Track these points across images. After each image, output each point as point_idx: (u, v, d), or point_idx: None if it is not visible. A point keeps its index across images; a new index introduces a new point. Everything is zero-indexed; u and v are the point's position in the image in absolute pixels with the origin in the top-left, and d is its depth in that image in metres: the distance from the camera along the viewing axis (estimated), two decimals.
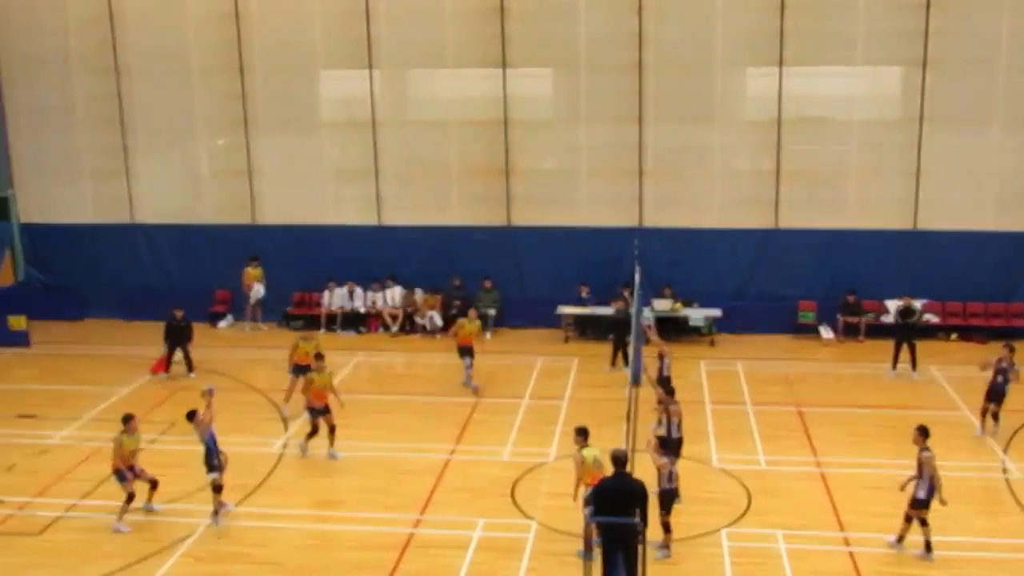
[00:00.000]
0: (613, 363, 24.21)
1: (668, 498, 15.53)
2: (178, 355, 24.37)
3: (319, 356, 20.04)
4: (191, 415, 16.87)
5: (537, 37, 26.83)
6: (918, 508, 15.38)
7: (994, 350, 21.06)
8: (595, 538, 13.46)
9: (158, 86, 28.20)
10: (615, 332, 24.39)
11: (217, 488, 16.67)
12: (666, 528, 15.48)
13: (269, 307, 28.32)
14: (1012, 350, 20.15)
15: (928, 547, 15.28)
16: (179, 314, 24.29)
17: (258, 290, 27.75)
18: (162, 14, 27.83)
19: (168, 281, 28.70)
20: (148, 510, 16.94)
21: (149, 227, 28.85)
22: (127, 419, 16.90)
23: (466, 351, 22.88)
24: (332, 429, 19.31)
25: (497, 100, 27.08)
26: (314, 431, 19.39)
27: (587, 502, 14.85)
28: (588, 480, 15.34)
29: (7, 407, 22.16)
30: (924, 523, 15.33)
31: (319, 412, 19.32)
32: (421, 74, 28.35)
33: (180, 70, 27.92)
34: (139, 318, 27.30)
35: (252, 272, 27.72)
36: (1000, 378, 19.79)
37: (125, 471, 16.59)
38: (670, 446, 16.98)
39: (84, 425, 21.10)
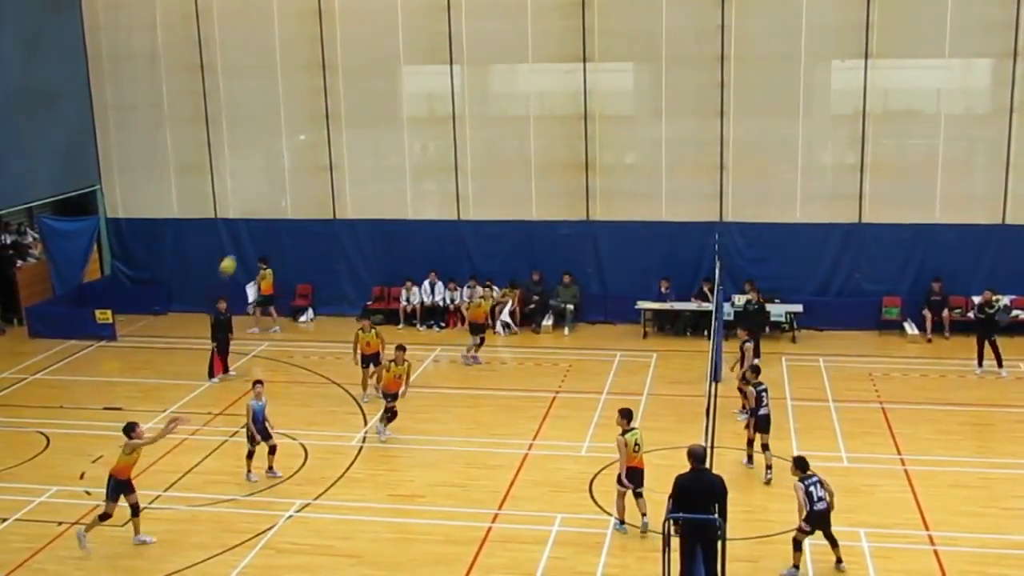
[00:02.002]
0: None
1: (765, 422, 17.72)
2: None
3: (401, 348, 20.22)
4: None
5: (618, 31, 26.68)
6: None
7: None
8: (674, 533, 13.36)
9: (243, 82, 28.62)
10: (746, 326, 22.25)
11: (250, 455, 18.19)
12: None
13: (351, 300, 28.62)
14: None
15: None
16: (223, 306, 23.90)
17: (251, 291, 27.69)
18: (248, 11, 28.21)
19: (251, 276, 29.06)
20: (141, 543, 15.97)
21: (232, 222, 29.30)
22: (132, 427, 16.00)
23: (477, 328, 24.40)
24: (393, 415, 19.93)
25: (578, 95, 27.00)
26: (393, 415, 19.78)
27: (621, 482, 15.97)
28: (627, 462, 15.82)
29: (94, 399, 22.69)
30: None
31: (394, 397, 19.78)
32: (502, 69, 28.39)
33: (265, 66, 28.28)
34: (229, 310, 27.75)
35: (264, 273, 27.72)
36: None
37: (125, 483, 15.71)
38: (760, 423, 17.97)
39: (168, 418, 21.41)
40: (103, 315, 27.02)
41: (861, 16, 25.34)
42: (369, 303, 28.54)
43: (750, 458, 18.42)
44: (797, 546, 14.74)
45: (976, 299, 23.92)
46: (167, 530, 16.37)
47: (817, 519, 14.62)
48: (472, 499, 17.39)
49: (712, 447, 14.21)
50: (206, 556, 15.54)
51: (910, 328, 26.06)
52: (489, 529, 16.31)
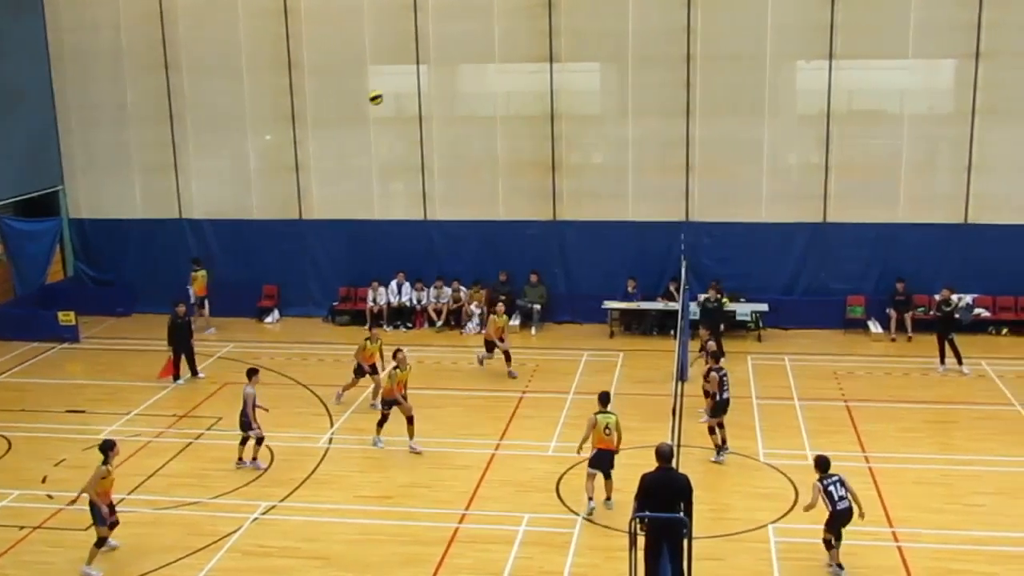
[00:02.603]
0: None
1: (725, 406, 18.37)
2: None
3: (400, 351, 19.72)
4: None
5: (585, 31, 26.73)
6: None
7: None
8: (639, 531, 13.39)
9: (208, 82, 28.44)
10: (706, 323, 23.60)
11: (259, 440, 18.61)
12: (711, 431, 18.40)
13: (317, 301, 28.60)
14: None
15: None
16: (181, 310, 23.74)
17: (192, 292, 27.60)
18: (213, 10, 28.06)
19: (216, 277, 28.93)
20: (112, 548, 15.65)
21: (197, 222, 29.11)
22: (111, 446, 15.46)
23: (491, 346, 23.66)
24: (411, 420, 19.37)
25: (545, 95, 27.04)
26: (384, 421, 19.49)
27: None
28: (596, 444, 16.64)
29: (57, 402, 22.46)
30: None
31: (394, 403, 19.32)
32: (469, 69, 28.38)
33: (230, 66, 28.12)
34: (188, 313, 27.55)
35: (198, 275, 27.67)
36: None
37: (103, 507, 15.19)
38: (720, 407, 18.61)
39: (132, 420, 21.30)
40: (66, 317, 26.75)
41: (825, 17, 25.52)
42: (336, 304, 28.46)
43: (718, 450, 18.62)
44: (828, 545, 14.74)
45: (937, 297, 24.15)
46: (132, 533, 16.18)
47: (841, 519, 14.60)
48: (439, 500, 17.36)
49: (679, 446, 14.27)
50: (171, 559, 15.41)
51: (874, 327, 26.28)
52: (456, 530, 16.29)
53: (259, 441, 18.71)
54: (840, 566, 14.73)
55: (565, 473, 18.17)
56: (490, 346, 23.64)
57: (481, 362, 23.94)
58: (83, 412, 21.70)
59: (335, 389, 22.02)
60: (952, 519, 16.29)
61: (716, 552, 15.27)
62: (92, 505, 15.19)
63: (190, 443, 19.92)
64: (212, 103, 28.53)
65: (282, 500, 17.41)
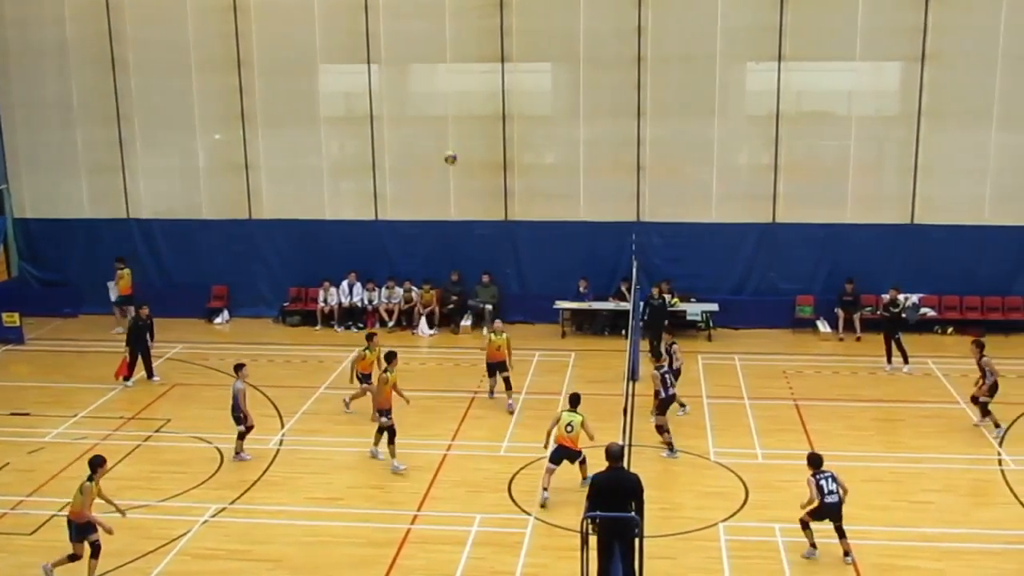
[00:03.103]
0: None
1: (667, 404, 18.96)
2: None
3: (392, 356, 19.10)
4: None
5: (537, 31, 26.78)
6: None
7: None
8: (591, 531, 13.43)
9: (156, 80, 28.11)
10: (652, 320, 24.46)
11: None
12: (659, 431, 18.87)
13: (267, 302, 28.38)
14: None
15: None
16: (144, 312, 23.51)
17: (112, 291, 27.42)
18: (161, 6, 27.76)
19: (165, 277, 28.65)
20: None
21: (146, 222, 28.78)
22: (101, 463, 14.93)
23: (495, 367, 21.63)
24: (392, 436, 18.54)
25: (496, 95, 27.05)
26: (392, 432, 18.55)
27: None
28: (557, 439, 17.19)
29: (1, 404, 22.07)
30: None
31: (388, 413, 18.55)
32: (420, 69, 28.34)
33: (178, 64, 27.83)
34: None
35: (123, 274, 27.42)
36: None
37: (85, 525, 14.59)
38: (663, 404, 19.12)
39: (79, 423, 21.01)
40: (10, 318, 26.34)
41: (774, 19, 25.75)
42: (286, 304, 28.27)
43: (670, 447, 18.85)
44: (805, 526, 15.22)
45: (885, 297, 24.46)
46: None
47: (828, 511, 15.08)
48: (391, 501, 17.31)
49: (630, 446, 14.33)
50: (120, 563, 15.21)
51: (823, 326, 26.56)
52: (408, 531, 16.24)
53: (248, 429, 18.94)
54: (814, 546, 15.16)
55: (517, 473, 18.18)
56: (491, 370, 21.71)
57: (491, 392, 21.99)
58: (27, 415, 21.37)
59: (296, 390, 21.84)
60: (900, 516, 16.50)
61: (667, 551, 15.34)
62: (77, 523, 14.57)
63: (139, 445, 19.69)
64: (160, 101, 28.20)
65: (232, 502, 17.26)
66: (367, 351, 20.99)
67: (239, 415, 18.84)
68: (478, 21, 26.71)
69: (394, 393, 18.82)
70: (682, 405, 20.58)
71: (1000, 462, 18.57)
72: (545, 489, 16.95)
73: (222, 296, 28.60)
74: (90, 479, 14.68)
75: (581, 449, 17.25)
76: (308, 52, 27.55)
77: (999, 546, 15.52)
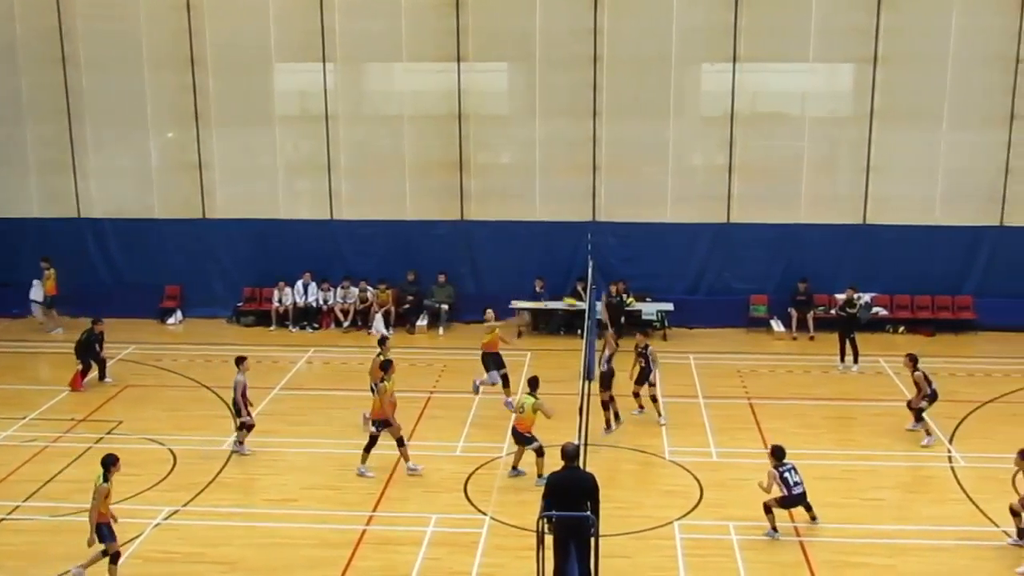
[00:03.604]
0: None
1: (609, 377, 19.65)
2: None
3: (390, 363, 18.69)
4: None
5: (493, 31, 26.78)
6: None
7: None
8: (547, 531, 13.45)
9: (108, 78, 27.77)
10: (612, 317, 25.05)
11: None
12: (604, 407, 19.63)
13: (220, 302, 28.15)
14: None
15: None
16: (99, 329, 23.18)
17: (36, 291, 27.22)
18: (113, 3, 27.45)
19: (117, 277, 28.32)
20: None
21: (97, 222, 28.43)
22: (113, 461, 14.70)
23: (490, 358, 21.19)
24: (401, 441, 18.14)
25: (452, 94, 27.00)
26: (372, 443, 18.18)
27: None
28: (516, 422, 17.79)
29: None
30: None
31: (382, 424, 18.10)
32: (376, 68, 28.28)
33: (131, 61, 27.51)
34: (86, 314, 26.65)
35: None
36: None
37: (105, 525, 14.48)
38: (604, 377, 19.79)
39: (28, 425, 20.72)
40: None
41: (729, 20, 25.93)
42: (240, 304, 28.07)
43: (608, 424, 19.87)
44: (767, 510, 15.71)
45: (839, 297, 24.69)
46: (28, 542, 15.82)
47: (796, 502, 15.90)
48: (346, 501, 17.22)
49: (585, 445, 14.35)
50: (71, 567, 15.02)
51: (776, 325, 26.78)
52: (364, 531, 16.17)
53: (248, 428, 19.04)
54: (775, 528, 15.64)
55: (473, 473, 18.17)
56: (488, 359, 21.22)
57: (476, 389, 21.34)
58: None
59: (251, 391, 21.57)
60: (851, 513, 16.66)
61: (623, 550, 15.39)
62: (98, 526, 14.37)
63: (89, 448, 19.43)
64: (112, 99, 27.87)
65: (185, 504, 17.10)
66: (385, 383, 18.41)
67: (237, 408, 18.97)
68: (434, 20, 26.66)
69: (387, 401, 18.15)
70: (641, 407, 20.64)
71: (950, 459, 18.82)
72: (514, 467, 17.95)
73: (175, 296, 28.33)
74: (105, 479, 14.49)
75: (531, 434, 17.58)
76: (263, 50, 27.36)
77: (950, 542, 15.73)
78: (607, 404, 19.88)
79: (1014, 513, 15.32)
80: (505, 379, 21.35)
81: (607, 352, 20.11)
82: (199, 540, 15.93)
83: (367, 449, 18.11)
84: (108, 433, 20.17)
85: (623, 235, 27.08)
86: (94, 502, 14.41)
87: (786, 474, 15.79)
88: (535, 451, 17.55)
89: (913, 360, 19.65)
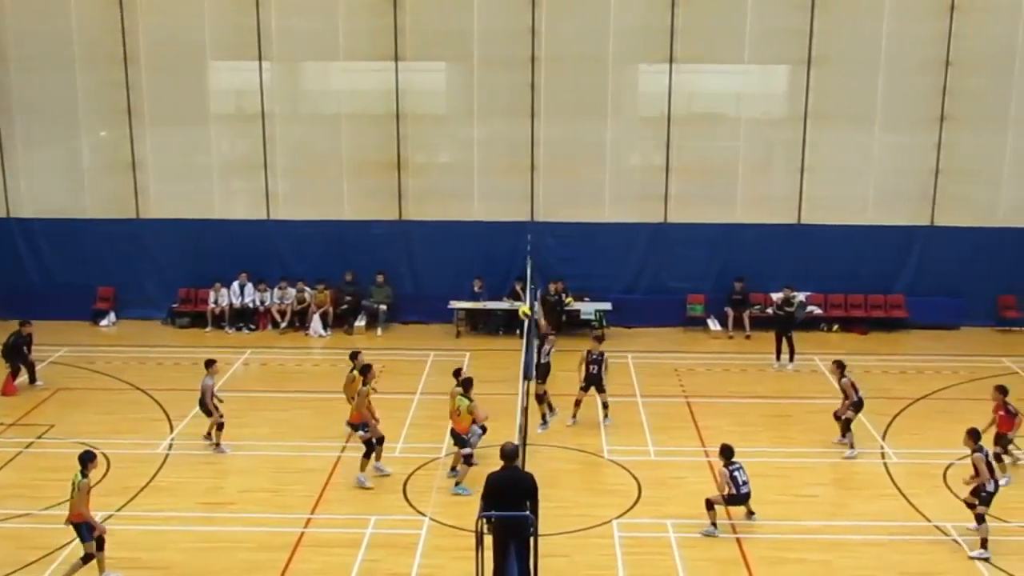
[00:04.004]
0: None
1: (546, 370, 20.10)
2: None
3: (368, 367, 18.59)
4: None
5: (430, 30, 26.68)
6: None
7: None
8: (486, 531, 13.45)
9: (38, 75, 27.20)
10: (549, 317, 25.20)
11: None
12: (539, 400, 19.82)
13: (155, 303, 27.77)
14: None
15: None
16: (27, 331, 22.76)
17: None
18: None
19: (48, 278, 27.79)
20: None
21: (27, 222, 27.89)
22: (91, 458, 14.65)
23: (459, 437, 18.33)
24: (381, 440, 18.03)
25: (390, 94, 26.88)
26: (371, 449, 17.91)
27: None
28: (454, 424, 17.82)
29: None
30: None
31: (364, 427, 17.94)
32: (313, 67, 28.07)
33: (61, 58, 26.98)
34: (15, 317, 26.10)
35: None
36: None
37: (85, 524, 14.37)
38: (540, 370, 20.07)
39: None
40: None
41: (666, 21, 26.10)
42: (175, 305, 27.71)
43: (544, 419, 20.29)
44: (710, 506, 15.93)
45: (776, 296, 24.97)
46: None
47: (742, 500, 16.16)
48: (284, 504, 17.09)
49: (524, 445, 14.37)
50: (1, 575, 14.74)
51: (713, 325, 27.02)
52: (302, 534, 16.05)
53: (219, 427, 19.09)
54: (715, 525, 15.88)
55: (412, 474, 18.12)
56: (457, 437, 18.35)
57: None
58: None
59: (186, 393, 21.35)
60: (787, 510, 16.85)
61: (562, 549, 15.44)
62: (76, 523, 14.34)
63: (20, 452, 19.09)
64: (43, 96, 27.32)
65: (119, 509, 16.85)
66: (370, 387, 18.46)
67: (206, 409, 19.02)
68: (371, 19, 26.51)
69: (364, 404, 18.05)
70: (574, 417, 20.47)
71: (883, 455, 19.13)
72: (453, 468, 18.09)
73: (108, 297, 27.87)
74: (83, 475, 14.36)
75: (468, 436, 17.72)
76: (197, 48, 27.01)
77: (884, 537, 16.00)
78: (541, 397, 20.05)
79: (970, 505, 15.63)
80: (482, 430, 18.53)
81: (547, 346, 20.32)
82: (135, 545, 15.68)
83: (366, 456, 17.88)
84: (39, 437, 19.81)
85: (561, 235, 27.16)
86: (76, 499, 14.29)
87: (735, 473, 16.07)
88: (464, 456, 17.52)
89: (840, 367, 19.42)
